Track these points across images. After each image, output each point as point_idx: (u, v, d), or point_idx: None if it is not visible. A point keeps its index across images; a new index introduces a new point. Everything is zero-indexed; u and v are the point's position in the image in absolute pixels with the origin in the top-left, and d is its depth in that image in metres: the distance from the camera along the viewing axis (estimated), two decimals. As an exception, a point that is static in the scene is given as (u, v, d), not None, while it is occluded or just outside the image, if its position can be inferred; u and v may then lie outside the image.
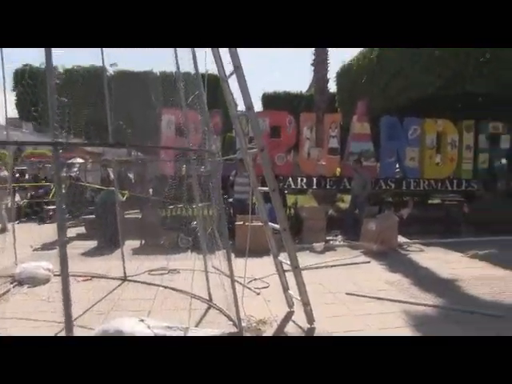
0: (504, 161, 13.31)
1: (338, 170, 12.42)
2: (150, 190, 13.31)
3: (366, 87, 14.77)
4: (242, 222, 8.81)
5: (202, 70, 4.71)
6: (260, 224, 8.89)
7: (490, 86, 11.03)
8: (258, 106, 25.97)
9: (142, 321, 3.75)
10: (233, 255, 8.21)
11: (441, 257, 8.07)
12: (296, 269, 4.47)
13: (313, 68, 15.72)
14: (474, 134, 12.65)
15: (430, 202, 16.04)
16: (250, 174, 4.84)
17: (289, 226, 9.50)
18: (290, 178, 11.57)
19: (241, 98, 4.21)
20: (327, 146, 11.79)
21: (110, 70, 18.51)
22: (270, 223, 4.92)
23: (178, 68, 5.14)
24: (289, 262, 4.55)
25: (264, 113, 11.96)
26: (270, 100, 25.28)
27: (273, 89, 27.32)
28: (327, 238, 9.67)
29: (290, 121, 11.62)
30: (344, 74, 17.32)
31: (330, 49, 16.34)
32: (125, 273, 6.45)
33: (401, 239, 9.57)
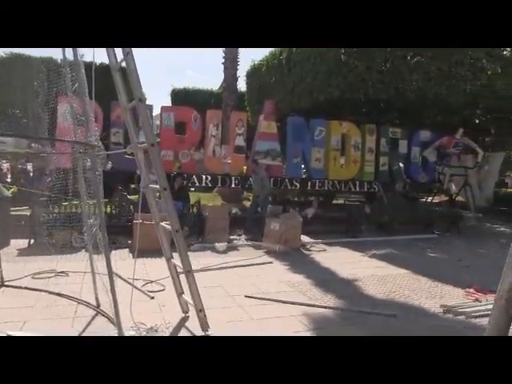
0: (401, 164, 13.92)
1: (244, 168, 12.26)
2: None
3: (274, 87, 14.81)
4: (140, 220, 8.29)
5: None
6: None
7: (390, 93, 11.46)
8: (167, 103, 25.29)
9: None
10: (130, 255, 7.81)
11: (342, 256, 8.13)
12: (188, 273, 4.11)
13: (223, 66, 15.39)
14: (375, 138, 13.09)
15: (334, 202, 16.49)
16: (141, 171, 4.41)
17: (191, 224, 9.27)
18: (195, 176, 11.17)
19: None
20: (233, 144, 11.55)
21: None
22: (161, 223, 4.51)
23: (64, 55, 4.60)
24: (181, 265, 4.18)
25: (169, 108, 11.50)
26: (180, 96, 24.68)
27: (183, 85, 26.75)
28: (230, 237, 9.43)
29: (196, 117, 11.26)
30: (253, 73, 17.30)
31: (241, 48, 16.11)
32: (2, 277, 5.69)
33: (304, 239, 9.57)
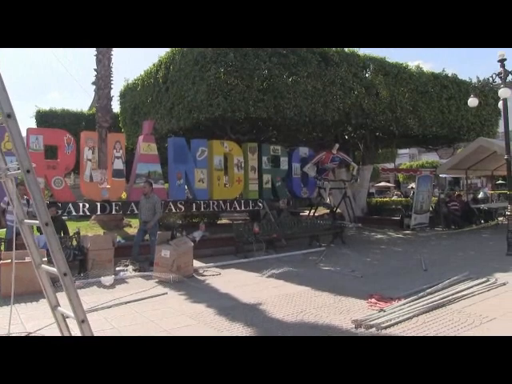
0: (283, 181, 14.18)
1: (124, 193, 11.49)
2: None
3: (151, 107, 14.22)
4: (8, 260, 7.23)
5: None
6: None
7: (270, 111, 11.60)
8: (31, 126, 23.19)
9: None
10: None
11: (239, 279, 7.82)
12: (83, 323, 3.46)
13: (95, 86, 14.47)
14: (257, 156, 13.15)
15: (219, 222, 16.27)
16: (12, 203, 3.67)
17: (71, 258, 8.33)
18: (70, 204, 10.16)
19: None
20: (111, 168, 10.74)
21: None
22: (43, 266, 3.80)
23: None
24: (73, 315, 3.51)
25: (38, 130, 10.36)
26: (46, 118, 22.78)
27: (49, 106, 24.81)
28: (117, 269, 8.67)
29: (69, 140, 10.28)
30: (128, 93, 16.51)
31: (114, 67, 15.32)
32: None
33: (197, 264, 9.15)
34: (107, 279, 7.63)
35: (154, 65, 14.00)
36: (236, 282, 7.61)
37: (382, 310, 5.35)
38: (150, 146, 11.27)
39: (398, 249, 11.20)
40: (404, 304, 5.51)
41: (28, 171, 3.29)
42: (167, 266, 7.82)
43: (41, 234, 8.96)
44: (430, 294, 5.95)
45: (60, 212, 9.97)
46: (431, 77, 15.77)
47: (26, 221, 3.71)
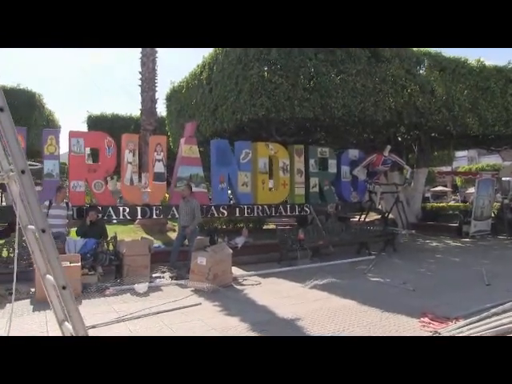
0: (332, 185, 13.50)
1: (167, 196, 11.22)
2: None
3: (196, 109, 13.97)
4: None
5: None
6: (68, 265, 7.27)
7: (317, 111, 11.02)
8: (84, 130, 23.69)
9: None
10: (31, 308, 6.51)
11: (280, 290, 7.27)
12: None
13: (140, 88, 14.37)
14: (304, 159, 12.57)
15: (264, 227, 15.77)
16: (16, 207, 3.30)
17: (106, 263, 8.09)
18: (111, 208, 9.98)
19: None
20: (152, 171, 10.50)
21: None
22: (48, 276, 3.41)
23: None
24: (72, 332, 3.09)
25: (78, 133, 10.23)
26: (96, 122, 23.24)
27: (100, 111, 25.27)
28: (153, 275, 8.35)
29: (110, 143, 10.13)
30: (173, 95, 16.39)
31: (159, 69, 15.25)
32: None
33: (236, 272, 8.72)
34: (141, 287, 7.30)
35: (198, 66, 13.75)
36: (276, 292, 7.07)
37: (436, 332, 4.65)
38: (191, 148, 10.96)
39: (455, 259, 10.29)
40: (463, 326, 4.74)
41: (23, 172, 2.89)
42: (203, 274, 7.39)
43: (81, 238, 8.82)
44: (496, 314, 5.10)
45: (100, 216, 9.82)
46: (494, 71, 14.58)
47: (29, 226, 3.34)
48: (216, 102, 12.35)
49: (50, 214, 8.52)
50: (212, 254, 7.47)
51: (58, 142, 9.71)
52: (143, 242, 8.43)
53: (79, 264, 7.28)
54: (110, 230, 13.29)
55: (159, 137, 11.24)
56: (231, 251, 8.01)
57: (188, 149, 10.88)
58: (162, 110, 19.45)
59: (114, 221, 11.78)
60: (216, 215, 11.35)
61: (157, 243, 10.95)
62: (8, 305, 6.42)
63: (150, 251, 8.37)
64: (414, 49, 13.10)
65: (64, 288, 2.93)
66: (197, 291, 7.18)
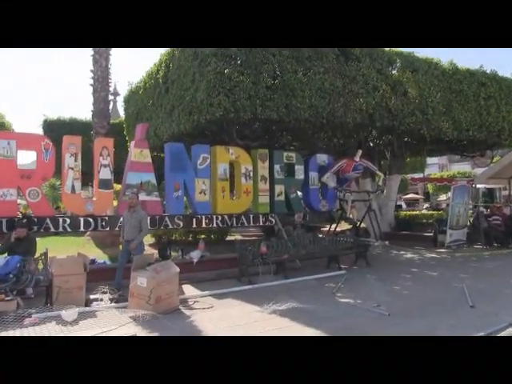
0: (299, 193, 12.54)
1: (115, 204, 10.07)
2: None
3: (153, 111, 12.88)
4: None
5: None
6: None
7: (281, 111, 10.08)
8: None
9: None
10: None
11: (234, 315, 6.20)
12: None
13: (91, 88, 13.19)
14: (268, 164, 11.57)
15: (229, 238, 14.70)
16: None
17: (32, 285, 6.91)
18: (48, 220, 8.80)
19: None
20: (98, 178, 9.35)
21: None
22: None
23: None
24: None
25: (10, 134, 9.09)
26: (53, 127, 21.82)
27: (57, 115, 23.86)
28: (92, 296, 7.22)
29: (48, 145, 8.94)
30: (132, 97, 15.26)
31: (113, 71, 14.13)
32: None
33: (190, 291, 7.69)
34: (69, 313, 6.12)
35: (155, 65, 12.67)
36: (229, 319, 6.00)
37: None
38: (142, 152, 9.84)
39: (432, 273, 9.41)
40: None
41: None
42: (144, 297, 6.28)
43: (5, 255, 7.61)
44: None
45: (36, 228, 8.63)
46: (467, 74, 13.93)
47: None
48: (172, 103, 11.28)
49: None
50: (153, 274, 6.36)
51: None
52: (76, 260, 7.22)
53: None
54: (56, 242, 12.11)
55: (105, 139, 10.07)
56: (178, 270, 6.88)
57: (138, 153, 9.76)
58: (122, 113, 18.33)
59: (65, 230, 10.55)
60: (170, 226, 10.22)
61: (102, 259, 9.77)
62: None
63: (85, 270, 7.19)
64: (386, 48, 12.31)
65: None
66: (136, 317, 6.07)
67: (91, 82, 13.24)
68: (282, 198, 11.86)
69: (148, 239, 12.45)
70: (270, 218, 11.48)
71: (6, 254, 7.41)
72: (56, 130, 21.07)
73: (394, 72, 12.51)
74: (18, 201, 9.46)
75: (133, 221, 7.93)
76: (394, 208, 17.84)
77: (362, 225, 14.40)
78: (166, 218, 9.97)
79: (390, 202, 16.51)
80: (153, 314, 5.98)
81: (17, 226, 7.88)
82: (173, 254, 9.96)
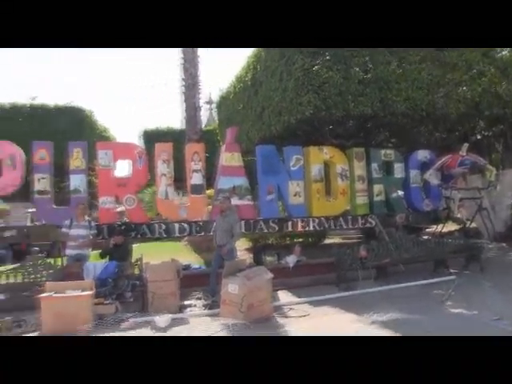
0: (400, 192, 11.68)
1: (208, 209, 10.05)
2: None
3: (244, 115, 12.79)
4: (51, 292, 6.11)
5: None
6: (78, 294, 6.22)
7: (375, 106, 9.44)
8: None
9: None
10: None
11: (331, 326, 5.76)
12: None
13: (183, 95, 13.49)
14: (365, 163, 10.91)
15: (328, 242, 14.17)
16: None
17: (128, 290, 6.99)
18: (145, 226, 8.98)
19: None
20: (190, 183, 9.38)
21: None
22: None
23: None
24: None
25: (106, 144, 9.46)
26: (152, 137, 22.74)
27: (155, 125, 24.88)
28: (186, 302, 7.17)
29: (141, 153, 9.17)
30: (223, 103, 15.36)
31: (202, 75, 14.35)
32: None
33: (285, 298, 7.39)
34: (162, 320, 6.12)
35: (242, 68, 12.60)
36: (325, 329, 5.56)
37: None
38: (233, 155, 9.74)
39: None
40: None
41: None
42: (235, 304, 6.05)
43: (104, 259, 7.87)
44: None
45: (133, 234, 8.84)
46: None
47: None
48: (262, 105, 11.10)
49: (70, 234, 7.65)
50: (244, 280, 6.11)
51: (84, 156, 8.89)
52: (169, 265, 7.20)
53: (91, 292, 6.24)
54: (157, 247, 12.40)
55: (196, 145, 10.17)
56: (270, 276, 6.58)
57: (229, 156, 9.68)
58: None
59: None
60: (265, 230, 10.00)
61: (198, 264, 9.77)
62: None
63: (178, 276, 7.16)
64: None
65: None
66: (227, 325, 5.85)
67: (182, 90, 13.53)
68: (382, 197, 11.13)
69: (244, 243, 12.33)
70: (369, 219, 10.81)
71: (105, 260, 7.69)
72: (154, 139, 21.94)
73: (503, 53, 11.25)
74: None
75: (224, 225, 7.80)
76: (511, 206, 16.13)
77: (473, 225, 13.13)
78: (261, 222, 9.76)
79: (504, 198, 14.93)
80: (244, 322, 5.71)
81: (114, 233, 8.14)
82: (268, 258, 9.73)
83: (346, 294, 7.58)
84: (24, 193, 9.11)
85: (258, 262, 8.86)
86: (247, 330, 5.59)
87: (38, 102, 14.89)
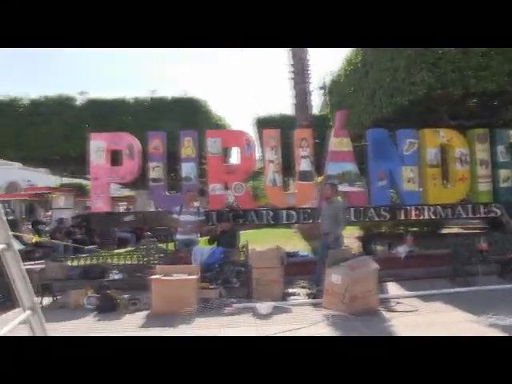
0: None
1: (316, 197, 9.87)
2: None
3: (355, 98, 12.32)
4: (161, 275, 6.43)
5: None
6: (185, 277, 6.47)
7: (501, 81, 8.47)
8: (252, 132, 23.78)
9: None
10: (144, 321, 5.90)
11: (442, 324, 5.28)
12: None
13: (292, 81, 13.34)
14: (489, 146, 9.91)
15: (445, 231, 13.26)
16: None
17: (233, 275, 7.15)
18: (253, 212, 9.09)
19: None
20: (298, 170, 9.28)
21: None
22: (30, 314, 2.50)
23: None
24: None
25: (215, 132, 9.70)
26: (265, 124, 22.89)
27: (268, 112, 24.97)
28: (289, 290, 7.11)
29: (249, 141, 9.24)
30: (334, 87, 14.93)
31: (311, 59, 14.07)
32: None
33: (393, 290, 7.01)
34: (263, 307, 6.14)
35: (352, 49, 12.08)
36: (434, 327, 5.14)
37: None
38: (342, 141, 9.42)
39: None
40: None
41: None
42: (338, 295, 5.87)
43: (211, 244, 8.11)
44: None
45: (241, 220, 9.00)
46: None
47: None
48: (373, 86, 10.55)
49: (180, 220, 7.97)
50: (348, 271, 5.88)
51: (195, 144, 9.19)
52: (274, 253, 7.18)
53: (196, 276, 6.48)
54: (266, 233, 12.55)
55: (304, 130, 9.99)
56: (376, 267, 6.26)
57: (338, 142, 9.37)
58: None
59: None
60: (376, 218, 9.57)
61: (306, 252, 9.67)
62: (127, 316, 6.06)
63: (282, 263, 7.12)
64: None
65: (32, 312, 2.29)
66: (330, 317, 5.69)
67: (291, 75, 13.39)
68: (509, 184, 10.05)
69: (355, 232, 11.97)
70: (493, 208, 9.82)
71: (213, 246, 7.93)
72: (268, 126, 22.10)
73: None
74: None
75: (330, 212, 7.61)
76: None
77: None
78: (371, 210, 9.36)
79: None
80: (346, 314, 5.51)
81: (221, 220, 8.36)
82: (378, 248, 9.34)
83: (463, 289, 6.98)
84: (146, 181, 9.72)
85: (366, 251, 8.51)
86: (346, 323, 5.38)
87: (157, 95, 15.66)
